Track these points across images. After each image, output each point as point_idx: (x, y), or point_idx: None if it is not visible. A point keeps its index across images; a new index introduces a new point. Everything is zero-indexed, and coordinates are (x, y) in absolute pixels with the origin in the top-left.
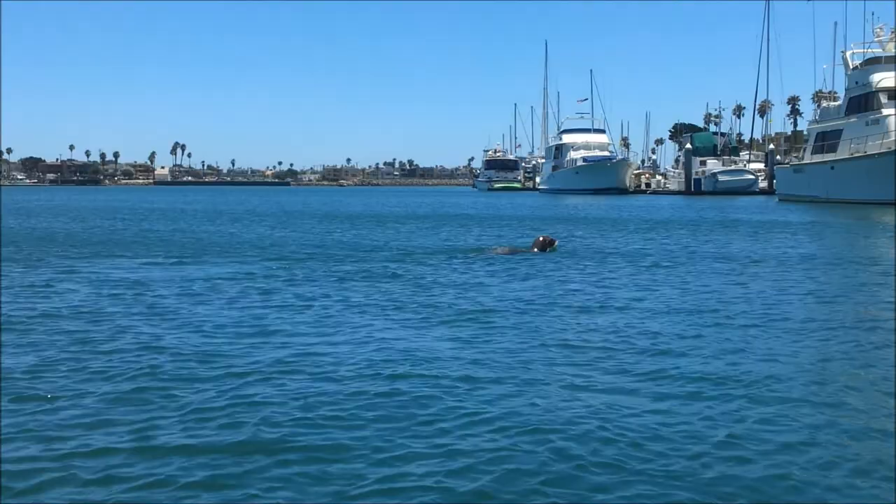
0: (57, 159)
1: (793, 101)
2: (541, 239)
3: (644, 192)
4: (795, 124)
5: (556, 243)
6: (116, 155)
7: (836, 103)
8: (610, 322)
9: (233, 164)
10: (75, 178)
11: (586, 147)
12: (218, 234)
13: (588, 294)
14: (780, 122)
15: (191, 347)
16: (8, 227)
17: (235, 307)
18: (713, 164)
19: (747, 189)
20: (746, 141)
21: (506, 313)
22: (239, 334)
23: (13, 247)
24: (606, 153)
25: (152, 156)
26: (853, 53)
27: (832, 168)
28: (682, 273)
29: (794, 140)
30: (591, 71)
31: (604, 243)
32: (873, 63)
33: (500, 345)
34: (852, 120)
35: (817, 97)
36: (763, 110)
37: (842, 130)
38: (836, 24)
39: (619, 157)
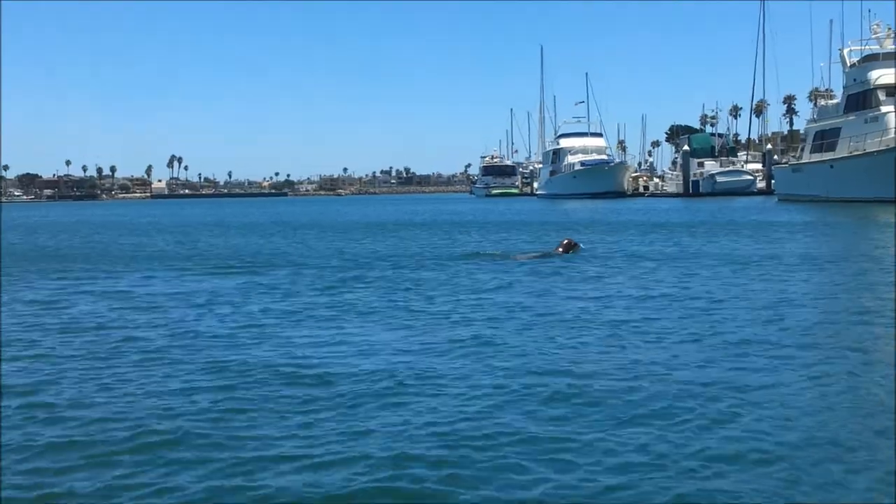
0: (54, 175)
1: (789, 100)
2: (565, 242)
3: (642, 194)
4: (791, 124)
5: (580, 246)
6: (113, 169)
7: (834, 101)
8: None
9: (230, 176)
10: (73, 193)
11: (584, 151)
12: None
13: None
14: (776, 122)
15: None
16: (39, 247)
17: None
18: (711, 166)
19: (745, 189)
20: (743, 141)
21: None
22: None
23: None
24: (604, 157)
25: (149, 169)
26: (850, 51)
27: (831, 167)
28: (704, 272)
29: (790, 140)
30: (586, 74)
31: (619, 246)
32: (871, 60)
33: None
34: (851, 118)
35: (814, 96)
36: (759, 110)
37: (840, 129)
38: (831, 21)
39: (617, 160)
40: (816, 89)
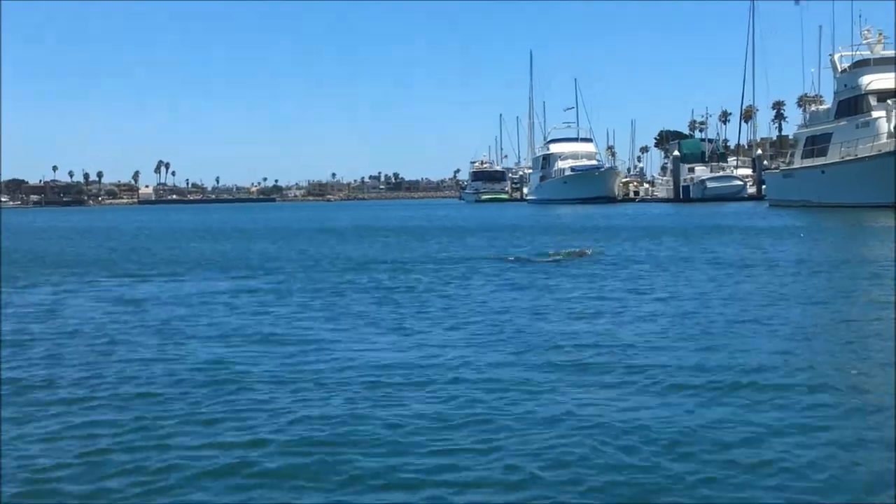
0: (40, 181)
1: (778, 105)
2: (580, 250)
3: (632, 200)
4: (780, 129)
5: (592, 252)
6: (100, 175)
7: (825, 107)
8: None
9: (217, 182)
10: (60, 199)
11: (574, 156)
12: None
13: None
14: (765, 128)
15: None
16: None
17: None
18: (701, 171)
19: (736, 195)
20: (732, 147)
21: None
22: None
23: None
24: (594, 162)
25: (136, 175)
26: (841, 56)
27: (823, 172)
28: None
29: (779, 145)
30: (575, 80)
31: (626, 251)
32: (862, 65)
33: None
34: (842, 123)
35: (803, 101)
36: (748, 115)
37: (832, 134)
38: (820, 27)
39: (607, 165)
40: (805, 95)
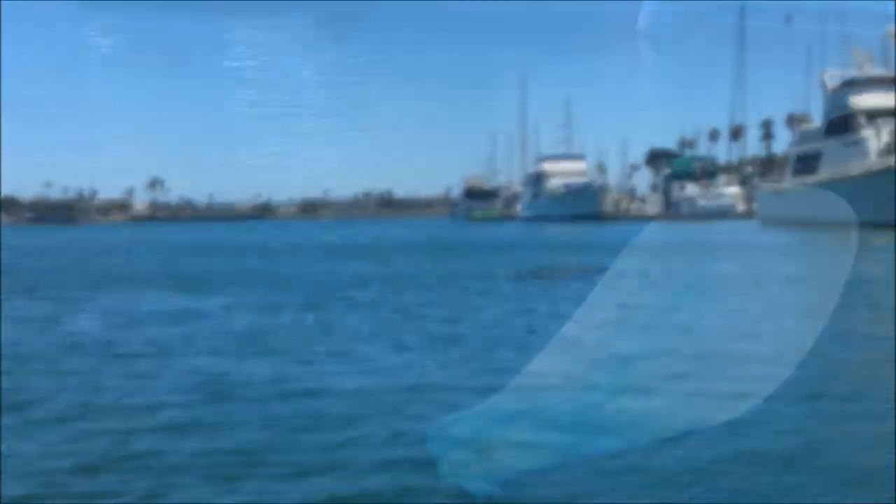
0: (34, 196)
1: (766, 125)
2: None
3: (623, 217)
4: (769, 148)
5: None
6: (94, 192)
7: (816, 125)
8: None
9: (211, 198)
10: (55, 216)
11: (565, 174)
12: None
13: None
14: (753, 146)
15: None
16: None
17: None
18: (692, 189)
19: (726, 213)
20: (721, 165)
21: None
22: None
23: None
24: (585, 179)
25: (130, 191)
26: (830, 75)
27: (814, 191)
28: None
29: (768, 164)
30: (567, 99)
31: (622, 266)
32: (852, 85)
33: None
34: (832, 142)
35: (791, 120)
36: (736, 134)
37: (822, 152)
38: (809, 47)
39: (598, 183)
40: (793, 114)
